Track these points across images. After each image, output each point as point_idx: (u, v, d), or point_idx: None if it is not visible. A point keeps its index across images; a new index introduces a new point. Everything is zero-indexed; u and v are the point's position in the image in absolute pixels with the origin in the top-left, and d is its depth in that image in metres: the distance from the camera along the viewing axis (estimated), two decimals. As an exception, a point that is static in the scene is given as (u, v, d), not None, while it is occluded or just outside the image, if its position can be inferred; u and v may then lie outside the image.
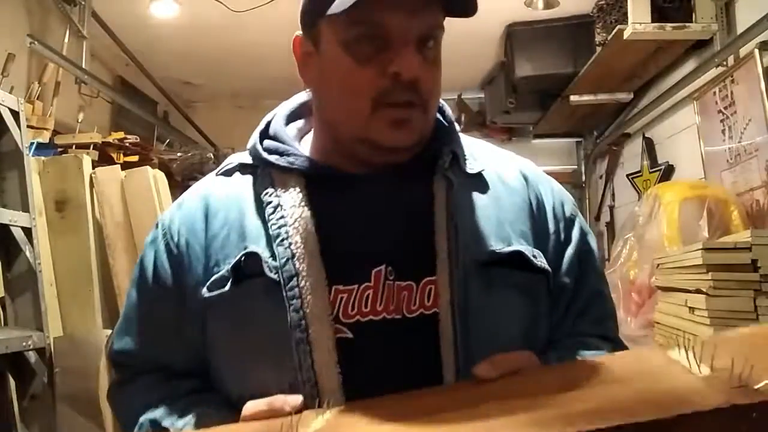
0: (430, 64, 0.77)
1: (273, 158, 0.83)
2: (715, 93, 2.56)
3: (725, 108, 2.49)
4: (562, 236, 0.86)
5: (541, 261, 0.82)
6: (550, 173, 0.96)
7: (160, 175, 2.76)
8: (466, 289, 0.76)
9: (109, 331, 2.19)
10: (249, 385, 0.74)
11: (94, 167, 2.55)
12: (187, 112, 4.59)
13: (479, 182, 0.84)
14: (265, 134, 0.87)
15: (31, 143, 2.39)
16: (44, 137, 2.68)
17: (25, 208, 2.00)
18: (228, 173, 0.87)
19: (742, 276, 1.67)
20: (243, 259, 0.77)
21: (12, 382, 1.92)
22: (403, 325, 0.76)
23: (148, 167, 2.71)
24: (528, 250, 0.82)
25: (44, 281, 2.05)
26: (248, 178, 0.85)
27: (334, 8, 0.72)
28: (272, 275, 0.76)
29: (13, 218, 1.94)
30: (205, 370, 0.83)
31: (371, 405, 0.65)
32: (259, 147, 0.85)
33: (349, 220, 0.79)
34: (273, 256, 0.76)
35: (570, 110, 3.70)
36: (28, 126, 2.41)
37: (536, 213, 0.86)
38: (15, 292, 1.99)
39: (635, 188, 3.46)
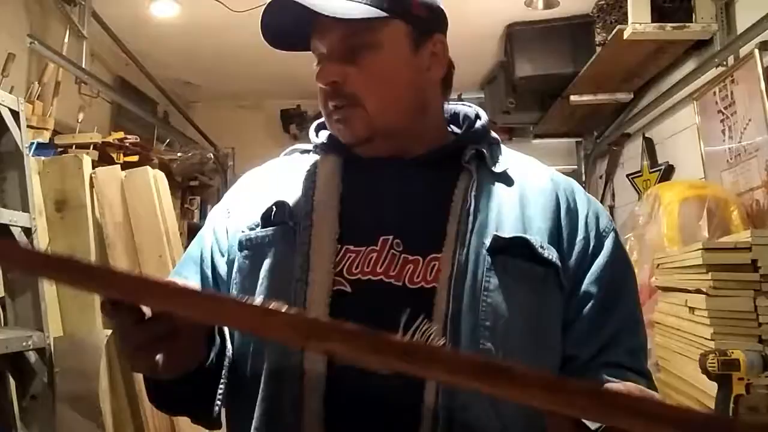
0: (359, 68, 0.86)
1: (317, 140, 0.96)
2: (715, 93, 2.55)
3: (725, 108, 2.49)
4: (592, 243, 0.88)
5: (549, 253, 0.84)
6: (549, 173, 0.96)
7: (160, 175, 2.76)
8: (467, 268, 0.81)
9: (109, 331, 2.19)
10: None
11: (94, 167, 2.54)
12: (187, 112, 4.58)
13: (504, 180, 0.90)
14: (322, 126, 0.99)
15: (31, 143, 2.38)
16: (44, 137, 2.68)
17: (25, 208, 2.00)
18: (289, 154, 1.02)
19: (742, 276, 1.67)
20: (273, 208, 0.88)
21: (12, 382, 1.92)
22: (401, 293, 0.81)
23: (148, 167, 2.71)
24: (535, 240, 0.84)
25: (44, 281, 2.05)
26: (303, 157, 0.98)
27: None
28: (291, 223, 0.86)
29: (13, 218, 1.94)
30: None
31: None
32: (312, 132, 0.98)
33: (371, 195, 0.89)
34: (297, 209, 0.87)
35: (570, 110, 3.70)
36: (28, 126, 2.41)
37: (564, 215, 0.89)
38: (15, 292, 1.99)
39: (635, 188, 3.45)
